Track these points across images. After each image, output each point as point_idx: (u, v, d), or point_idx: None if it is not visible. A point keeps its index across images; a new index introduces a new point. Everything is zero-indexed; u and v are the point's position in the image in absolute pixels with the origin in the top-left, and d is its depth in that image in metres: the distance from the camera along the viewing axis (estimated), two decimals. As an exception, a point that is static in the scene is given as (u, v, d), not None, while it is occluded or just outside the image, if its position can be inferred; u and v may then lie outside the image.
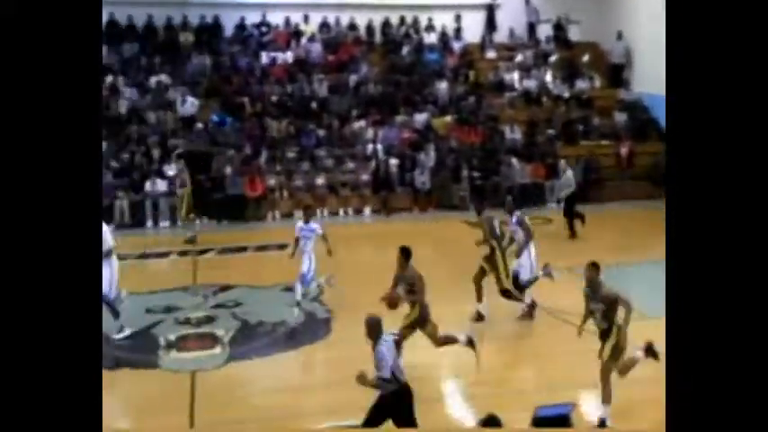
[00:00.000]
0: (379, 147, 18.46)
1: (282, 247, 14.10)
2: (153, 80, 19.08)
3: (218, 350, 9.73)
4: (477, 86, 20.74)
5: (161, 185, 16.60)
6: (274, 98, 19.34)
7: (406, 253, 8.54)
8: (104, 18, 19.92)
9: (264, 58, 20.38)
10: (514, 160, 18.39)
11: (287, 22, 21.18)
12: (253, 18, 20.98)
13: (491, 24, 22.31)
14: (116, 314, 9.98)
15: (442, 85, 20.32)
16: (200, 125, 18.28)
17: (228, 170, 17.17)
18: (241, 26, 20.87)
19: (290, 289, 11.48)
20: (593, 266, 7.43)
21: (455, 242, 13.83)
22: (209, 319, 10.69)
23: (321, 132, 18.71)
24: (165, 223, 16.48)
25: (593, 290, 7.38)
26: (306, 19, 21.23)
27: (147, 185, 16.60)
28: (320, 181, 17.57)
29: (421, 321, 8.52)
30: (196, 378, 8.93)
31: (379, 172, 17.86)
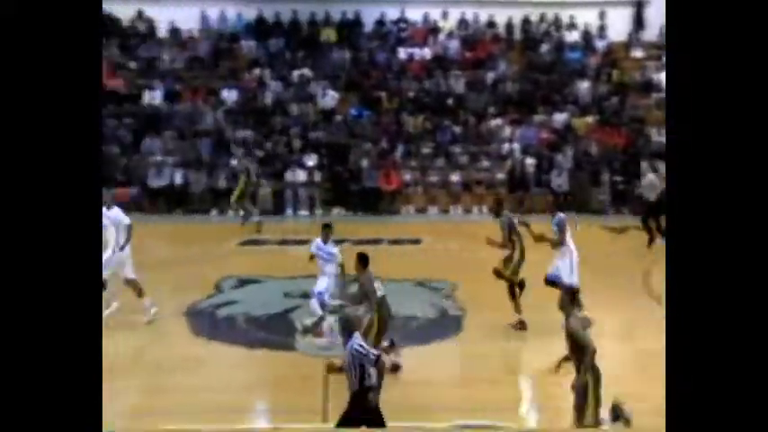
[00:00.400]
0: (516, 146, 18.16)
1: (415, 242, 14.19)
2: (296, 74, 19.69)
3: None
4: (621, 86, 19.92)
5: (301, 175, 17.18)
6: (411, 94, 19.46)
7: (362, 260, 8.64)
8: (253, 15, 20.82)
9: (402, 53, 20.54)
10: (662, 165, 17.49)
11: (425, 18, 21.25)
12: (392, 14, 21.19)
13: (639, 22, 21.35)
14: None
15: (584, 85, 19.68)
16: (338, 118, 18.71)
17: (365, 163, 17.47)
18: (380, 22, 21.15)
19: (422, 284, 11.49)
20: (567, 292, 6.85)
21: (592, 247, 13.32)
22: (343, 308, 10.86)
23: (457, 129, 18.63)
24: (303, 211, 17.01)
25: (566, 319, 6.67)
26: (444, 15, 21.21)
27: (288, 175, 17.21)
28: (455, 178, 17.54)
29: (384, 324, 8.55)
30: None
31: (515, 171, 17.60)
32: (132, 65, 19.55)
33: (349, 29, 20.91)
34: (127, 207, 16.38)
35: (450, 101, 19.30)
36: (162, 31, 20.41)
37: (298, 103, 19.03)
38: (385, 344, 8.68)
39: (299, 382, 8.62)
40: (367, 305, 8.57)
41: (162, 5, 20.07)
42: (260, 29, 20.67)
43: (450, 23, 21.16)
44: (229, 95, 18.98)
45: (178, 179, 16.87)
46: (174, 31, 20.39)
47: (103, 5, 20.05)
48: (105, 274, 9.21)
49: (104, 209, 9.88)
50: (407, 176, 17.55)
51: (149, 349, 9.56)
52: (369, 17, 21.12)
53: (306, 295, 11.32)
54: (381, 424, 6.35)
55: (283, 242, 14.87)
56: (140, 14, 20.39)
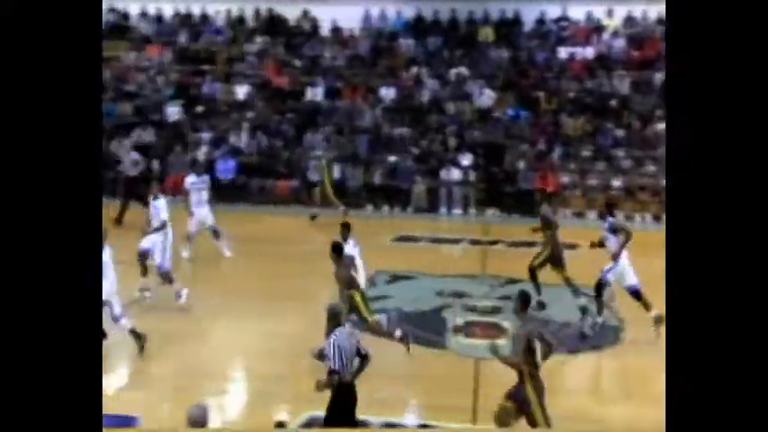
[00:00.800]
0: (685, 150, 17.11)
1: (572, 246, 13.67)
2: (453, 72, 19.67)
3: (503, 341, 9.69)
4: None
5: (456, 174, 17.12)
6: (571, 94, 18.88)
7: (336, 249, 8.84)
8: (412, 13, 21.00)
9: (563, 53, 19.97)
10: None
11: (588, 16, 20.53)
12: (553, 13, 20.67)
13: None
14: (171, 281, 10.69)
15: (765, 86, 18.18)
16: (495, 117, 18.50)
17: (521, 164, 17.16)
18: (540, 21, 20.69)
19: (577, 291, 11.09)
20: (521, 296, 6.87)
21: None
22: (496, 310, 10.76)
23: (620, 132, 17.87)
24: (457, 210, 16.96)
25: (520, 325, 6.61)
26: (609, 13, 20.40)
27: (443, 173, 17.21)
28: (616, 182, 16.83)
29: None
30: (480, 365, 8.99)
31: (682, 177, 16.56)
32: (297, 62, 20.39)
33: (508, 28, 20.64)
34: (287, 200, 17.38)
35: (613, 102, 18.52)
36: (325, 30, 21.11)
37: (454, 101, 18.99)
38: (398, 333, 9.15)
39: (449, 381, 8.60)
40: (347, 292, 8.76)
41: (326, 5, 20.75)
42: (418, 27, 20.87)
43: (615, 21, 20.31)
44: (387, 93, 19.30)
45: (336, 174, 17.36)
46: (336, 30, 21.01)
47: (272, 5, 21.19)
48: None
49: (152, 199, 10.93)
50: (565, 179, 17.04)
51: (306, 338, 9.85)
52: (528, 16, 20.74)
53: (457, 294, 11.31)
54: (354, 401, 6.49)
55: (437, 240, 14.93)
56: (305, 14, 21.22)
